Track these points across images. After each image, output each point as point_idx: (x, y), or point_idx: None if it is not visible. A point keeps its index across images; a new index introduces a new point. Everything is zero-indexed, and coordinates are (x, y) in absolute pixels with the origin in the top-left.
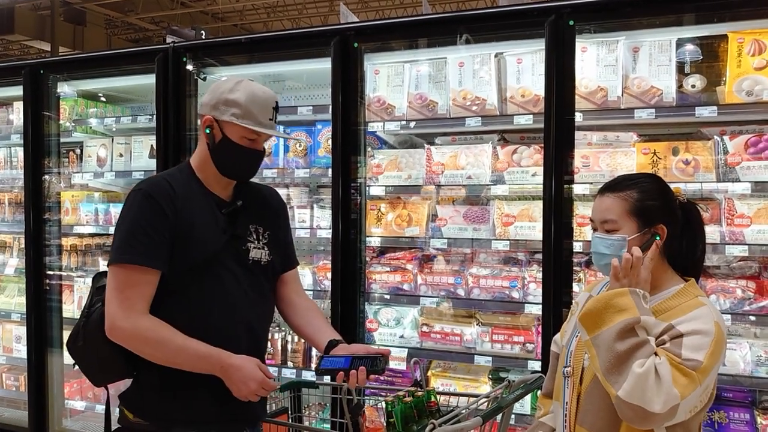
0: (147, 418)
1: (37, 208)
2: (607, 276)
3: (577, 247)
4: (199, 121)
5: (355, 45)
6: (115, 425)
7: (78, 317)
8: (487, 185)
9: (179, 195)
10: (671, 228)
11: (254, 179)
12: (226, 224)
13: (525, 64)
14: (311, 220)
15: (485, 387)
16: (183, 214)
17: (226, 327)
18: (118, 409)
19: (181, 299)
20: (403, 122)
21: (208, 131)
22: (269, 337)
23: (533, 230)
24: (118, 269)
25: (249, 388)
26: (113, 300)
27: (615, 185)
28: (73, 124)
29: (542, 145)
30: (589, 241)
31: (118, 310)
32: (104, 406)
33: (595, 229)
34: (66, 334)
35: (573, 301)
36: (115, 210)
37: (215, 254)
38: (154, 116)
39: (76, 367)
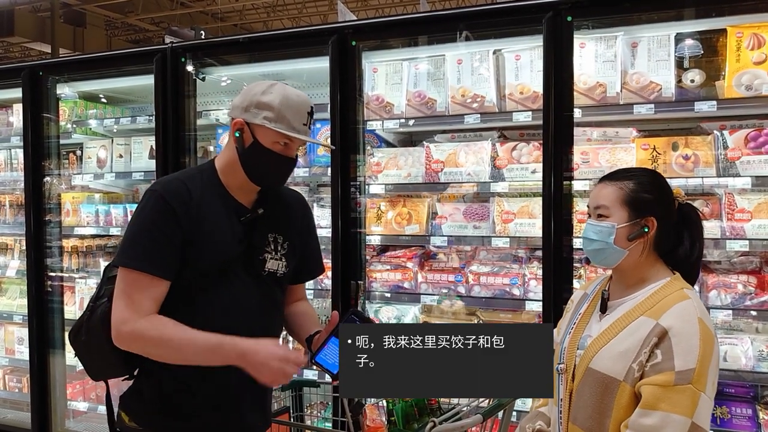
0: (141, 423)
1: (38, 210)
2: (595, 263)
3: (577, 243)
4: (199, 121)
5: (353, 43)
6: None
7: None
8: (487, 182)
9: (195, 199)
10: (662, 223)
11: None
12: (243, 233)
13: (523, 61)
14: None
15: None
16: (197, 219)
17: None
18: (116, 412)
19: (189, 308)
20: (402, 120)
21: (237, 135)
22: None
23: (533, 227)
24: (126, 272)
25: (272, 368)
26: (119, 303)
27: (613, 175)
28: (72, 125)
29: (542, 141)
30: None
31: (122, 313)
32: (106, 407)
33: (589, 216)
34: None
35: (569, 300)
36: (116, 211)
37: (228, 263)
38: (154, 117)
39: (78, 364)
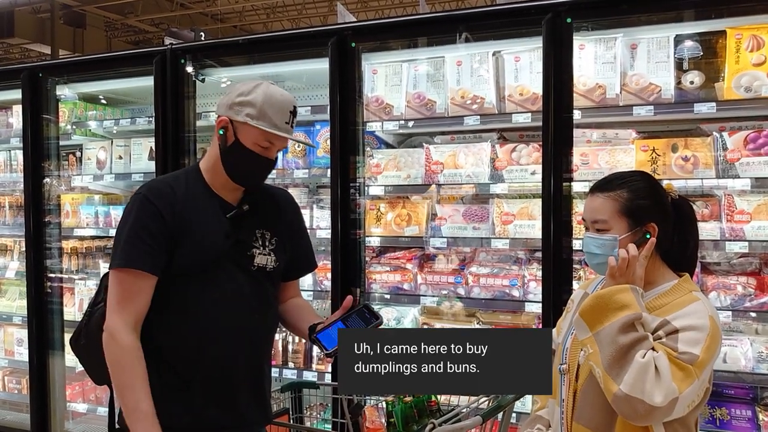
0: None
1: (38, 211)
2: (600, 275)
3: (577, 245)
4: (199, 122)
5: (353, 45)
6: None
7: (79, 319)
8: (487, 184)
9: (180, 197)
10: (663, 226)
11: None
12: (230, 229)
13: (523, 63)
14: (311, 221)
15: None
16: (183, 216)
17: (224, 336)
18: (117, 411)
19: (180, 305)
20: (402, 122)
21: (221, 132)
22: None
23: (533, 228)
24: (117, 274)
25: None
26: (112, 310)
27: (605, 185)
28: (72, 126)
29: (541, 143)
30: None
31: (112, 322)
32: (107, 408)
33: (587, 228)
34: (67, 337)
35: (569, 299)
36: (116, 212)
37: (216, 259)
38: (153, 118)
39: (77, 365)
